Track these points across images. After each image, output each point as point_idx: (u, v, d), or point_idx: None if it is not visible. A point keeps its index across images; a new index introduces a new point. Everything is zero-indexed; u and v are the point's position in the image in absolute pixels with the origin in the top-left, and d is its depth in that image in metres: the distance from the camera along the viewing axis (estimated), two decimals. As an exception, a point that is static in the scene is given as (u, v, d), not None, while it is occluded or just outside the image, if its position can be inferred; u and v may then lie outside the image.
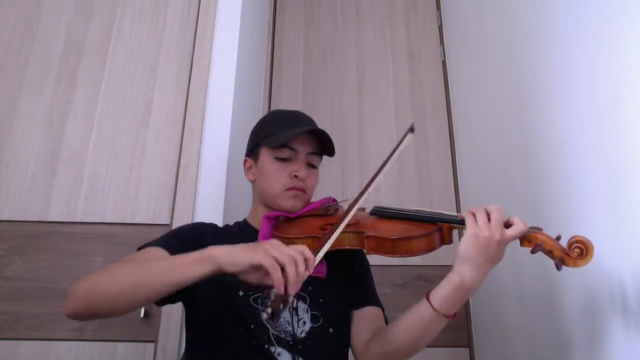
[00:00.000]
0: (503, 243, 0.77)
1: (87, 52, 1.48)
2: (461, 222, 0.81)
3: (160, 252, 0.84)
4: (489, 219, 0.78)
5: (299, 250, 0.68)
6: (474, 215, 0.79)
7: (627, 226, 0.84)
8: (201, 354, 0.89)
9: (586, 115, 0.99)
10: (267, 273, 0.65)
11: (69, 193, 1.33)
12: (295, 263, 0.66)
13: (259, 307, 0.87)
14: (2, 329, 1.21)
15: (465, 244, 0.78)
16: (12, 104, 1.41)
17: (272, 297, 0.68)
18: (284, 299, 0.66)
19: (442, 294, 0.81)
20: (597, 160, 0.94)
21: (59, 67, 1.46)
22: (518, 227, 0.78)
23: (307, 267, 0.68)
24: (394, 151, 0.94)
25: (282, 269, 0.66)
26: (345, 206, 0.98)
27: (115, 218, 1.32)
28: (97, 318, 0.72)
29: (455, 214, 0.85)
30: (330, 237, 0.79)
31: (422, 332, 0.85)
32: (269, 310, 0.65)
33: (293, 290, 0.65)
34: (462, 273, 0.78)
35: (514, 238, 0.78)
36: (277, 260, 0.66)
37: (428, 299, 0.82)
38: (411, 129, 0.97)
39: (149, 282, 0.70)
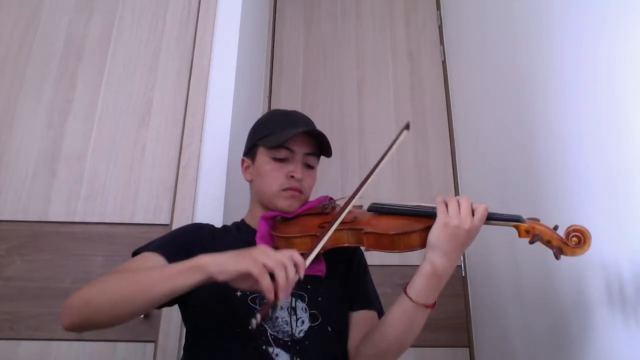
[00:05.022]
0: (472, 231, 0.79)
1: (87, 52, 1.48)
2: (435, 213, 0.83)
3: (155, 258, 0.85)
4: (459, 209, 0.80)
5: (288, 255, 0.68)
6: (445, 204, 0.81)
7: (625, 219, 0.84)
8: (199, 354, 0.88)
9: (586, 113, 0.99)
10: (256, 280, 0.65)
11: (69, 193, 1.33)
12: (285, 268, 0.66)
13: (257, 307, 0.86)
14: (2, 329, 1.21)
15: (436, 233, 0.80)
16: (12, 104, 1.41)
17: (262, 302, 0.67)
18: (273, 304, 0.65)
19: (417, 284, 0.83)
20: (596, 159, 0.94)
21: (59, 67, 1.46)
22: (481, 211, 0.80)
23: (297, 270, 0.68)
24: (389, 149, 0.94)
25: (272, 275, 0.66)
26: (342, 204, 0.98)
27: (115, 218, 1.32)
28: (94, 329, 0.74)
29: (432, 205, 0.86)
30: (324, 236, 0.80)
31: (406, 326, 0.85)
32: (258, 315, 0.64)
33: (283, 295, 0.65)
34: (433, 261, 0.80)
35: (481, 224, 0.80)
36: (265, 267, 0.66)
37: (406, 293, 0.84)
38: (406, 127, 0.98)
39: (141, 292, 0.71)
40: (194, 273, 0.68)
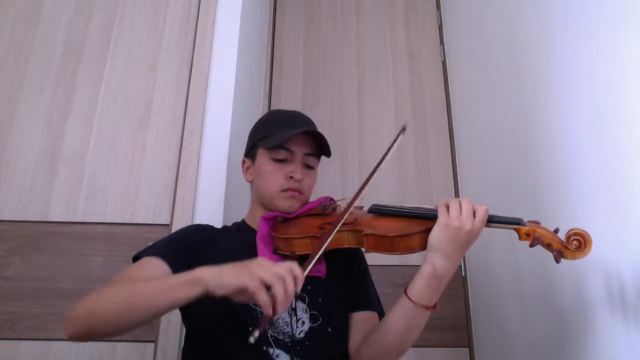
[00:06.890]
0: (473, 233, 0.79)
1: (87, 52, 1.48)
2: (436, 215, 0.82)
3: (157, 264, 0.85)
4: (460, 211, 0.80)
5: (287, 268, 0.67)
6: (447, 206, 0.81)
7: (626, 221, 0.84)
8: (198, 355, 0.89)
9: (586, 114, 0.99)
10: (253, 295, 0.64)
11: (69, 193, 1.33)
12: (283, 282, 0.65)
13: (257, 308, 0.86)
14: (2, 329, 1.20)
15: (437, 234, 0.80)
16: (12, 104, 1.41)
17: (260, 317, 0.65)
18: (271, 319, 0.64)
19: (418, 286, 0.83)
20: (597, 160, 0.94)
21: (59, 67, 1.46)
22: (481, 213, 0.80)
23: (295, 284, 0.66)
24: (387, 153, 0.94)
25: (269, 289, 0.64)
26: (342, 205, 0.98)
27: (115, 218, 1.32)
28: (98, 338, 0.74)
29: (432, 207, 0.86)
30: (322, 244, 0.79)
31: (406, 327, 0.85)
32: (256, 332, 0.62)
33: (281, 309, 0.64)
34: (433, 262, 0.81)
35: (482, 225, 0.80)
36: (262, 281, 0.64)
37: (406, 294, 0.84)
38: (403, 129, 0.98)
39: (143, 305, 0.71)
40: (193, 286, 0.68)
